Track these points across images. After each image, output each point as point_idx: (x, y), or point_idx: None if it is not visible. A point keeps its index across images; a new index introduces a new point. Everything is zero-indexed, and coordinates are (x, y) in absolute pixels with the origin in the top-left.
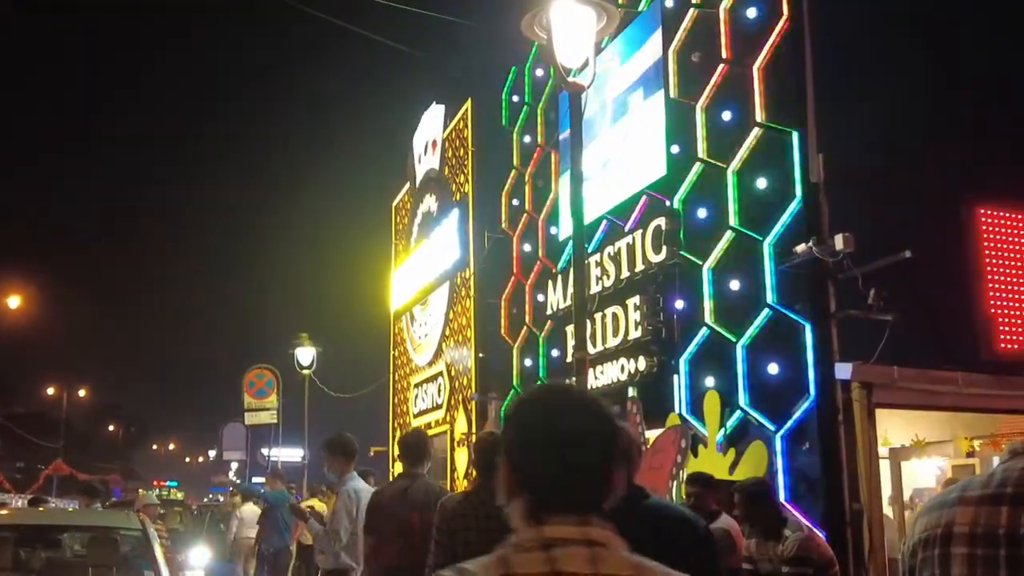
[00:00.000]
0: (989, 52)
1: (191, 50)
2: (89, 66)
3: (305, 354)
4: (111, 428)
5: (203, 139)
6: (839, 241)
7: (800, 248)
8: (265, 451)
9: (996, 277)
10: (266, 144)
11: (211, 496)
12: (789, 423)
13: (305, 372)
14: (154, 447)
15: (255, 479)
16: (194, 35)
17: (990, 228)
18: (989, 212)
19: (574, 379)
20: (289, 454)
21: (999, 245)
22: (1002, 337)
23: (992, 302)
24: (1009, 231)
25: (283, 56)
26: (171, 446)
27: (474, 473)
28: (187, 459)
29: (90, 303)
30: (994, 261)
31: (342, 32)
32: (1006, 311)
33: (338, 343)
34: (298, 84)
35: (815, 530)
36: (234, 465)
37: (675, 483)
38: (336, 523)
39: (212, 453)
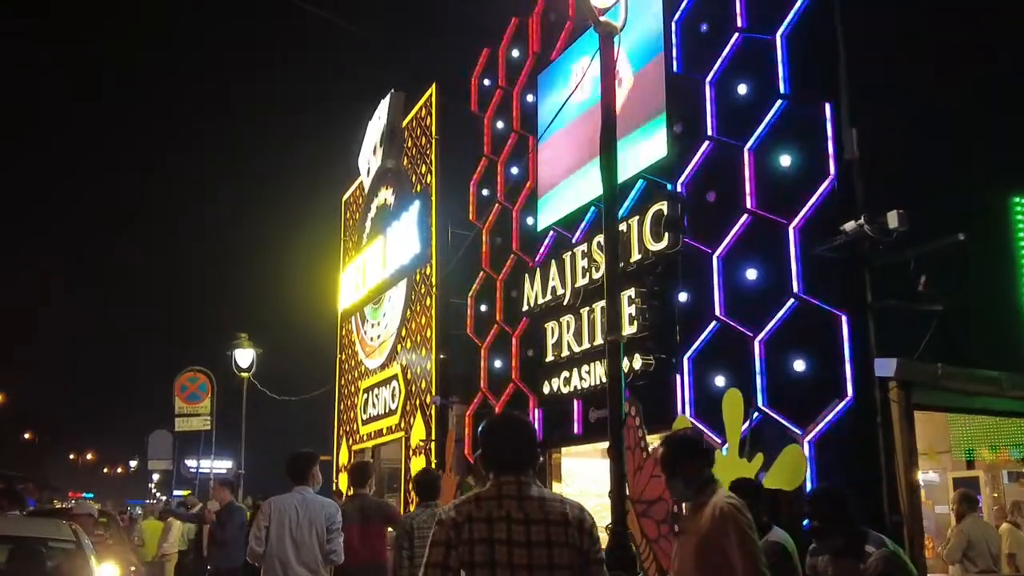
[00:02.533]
0: None
1: (126, 34)
2: (7, 51)
3: (244, 355)
4: (27, 436)
5: (134, 127)
6: (892, 218)
7: (849, 226)
8: (191, 462)
9: None
10: (204, 134)
11: (129, 508)
12: (819, 426)
13: (243, 375)
14: (71, 456)
15: (176, 492)
16: (132, 17)
17: None
18: None
19: (557, 379)
20: (219, 465)
21: None
22: None
23: None
24: None
25: (224, 38)
26: (89, 456)
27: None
28: (105, 469)
29: (4, 299)
30: None
31: (291, 10)
32: None
33: (280, 345)
34: (239, 70)
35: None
36: (156, 476)
37: None
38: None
39: (134, 464)
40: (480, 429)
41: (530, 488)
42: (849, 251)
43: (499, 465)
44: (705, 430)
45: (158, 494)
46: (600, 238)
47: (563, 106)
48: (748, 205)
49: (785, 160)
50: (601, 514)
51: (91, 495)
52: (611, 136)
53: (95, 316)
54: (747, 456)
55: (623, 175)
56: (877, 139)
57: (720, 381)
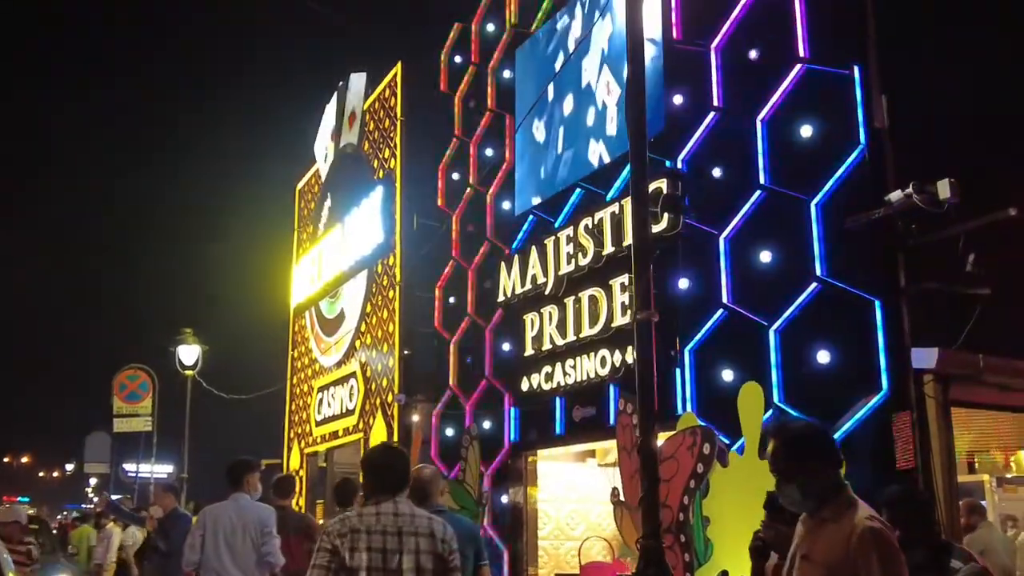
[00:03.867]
0: None
1: (66, 15)
2: None
3: (188, 352)
4: None
5: (71, 111)
6: (943, 188)
7: (895, 196)
8: (130, 466)
9: None
10: (145, 117)
11: (65, 513)
12: (848, 424)
13: (188, 373)
14: (6, 459)
15: (114, 497)
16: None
17: None
18: None
19: (537, 375)
20: (160, 469)
21: None
22: None
23: None
24: None
25: (169, 13)
26: (24, 459)
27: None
28: (41, 473)
29: None
30: None
31: None
32: None
33: (228, 341)
34: (185, 49)
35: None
36: (93, 481)
37: (698, 497)
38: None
39: (70, 467)
40: (363, 459)
41: (402, 506)
42: (882, 228)
43: (379, 488)
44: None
45: (96, 498)
46: (588, 221)
47: (556, 75)
48: (761, 181)
49: (805, 131)
50: (577, 521)
51: (27, 499)
52: (639, 86)
53: (29, 309)
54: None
55: (614, 152)
56: (907, 107)
57: (728, 375)
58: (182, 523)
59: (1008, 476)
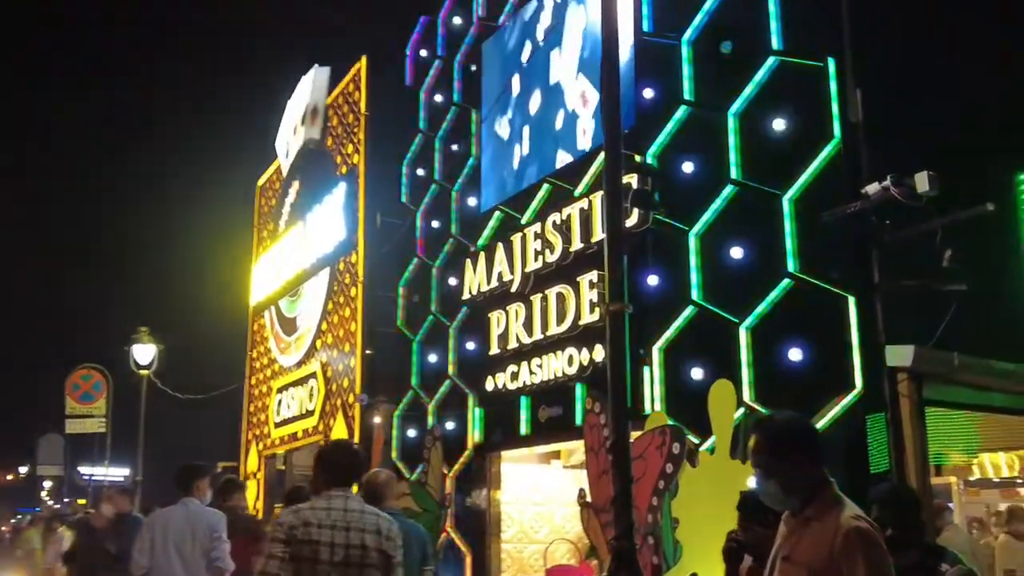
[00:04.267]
0: None
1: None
2: None
3: (144, 352)
4: None
5: (21, 98)
6: (921, 181)
7: (872, 188)
8: (85, 469)
9: None
10: (101, 110)
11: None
12: (821, 423)
13: (143, 372)
14: None
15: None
16: None
17: None
18: None
19: (503, 374)
20: (115, 472)
21: None
22: None
23: None
24: None
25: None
26: None
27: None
28: None
29: None
30: None
31: None
32: None
33: (184, 341)
34: (141, 39)
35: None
36: (47, 484)
37: (667, 497)
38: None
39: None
40: (316, 454)
41: (352, 502)
42: (856, 223)
43: (330, 482)
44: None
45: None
46: (556, 217)
47: (523, 69)
48: (733, 175)
49: (778, 124)
50: (541, 524)
51: None
52: (613, 63)
53: None
54: (740, 457)
55: (581, 146)
56: (882, 101)
57: (697, 374)
58: (134, 526)
59: (970, 479)
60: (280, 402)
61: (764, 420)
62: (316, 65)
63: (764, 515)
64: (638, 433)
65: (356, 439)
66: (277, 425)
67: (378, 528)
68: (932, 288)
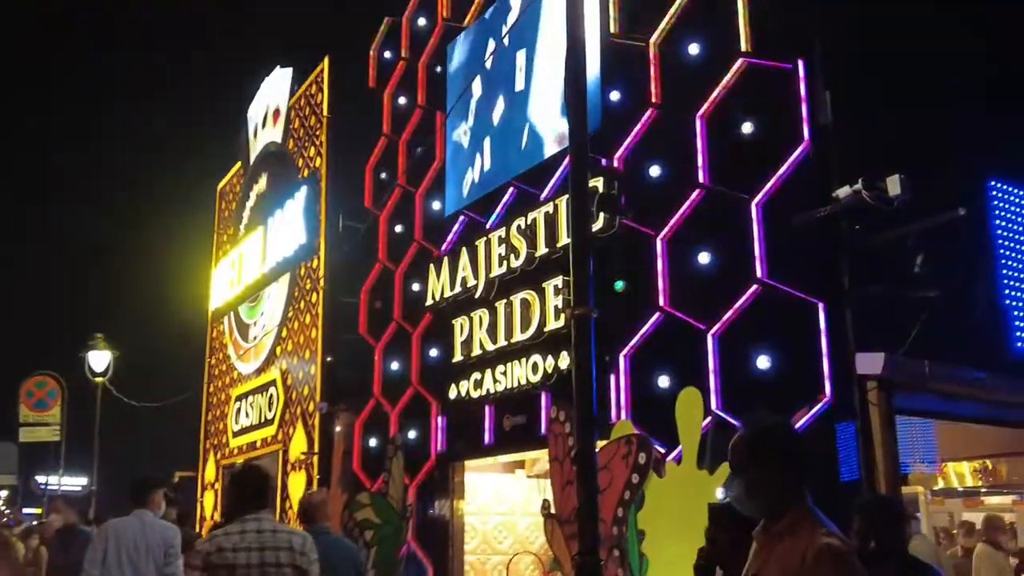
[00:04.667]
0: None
1: None
2: None
3: (99, 359)
4: None
5: None
6: (893, 184)
7: (843, 192)
8: (42, 478)
9: (1011, 263)
10: (56, 111)
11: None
12: None
13: (98, 380)
14: None
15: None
16: None
17: (1004, 205)
18: (1004, 187)
19: (466, 382)
20: (71, 481)
21: (1011, 225)
22: (1019, 335)
23: (1007, 292)
24: (1022, 210)
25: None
26: None
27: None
28: None
29: None
30: (1008, 244)
31: None
32: (1020, 303)
33: (141, 347)
34: (97, 36)
35: None
36: (2, 493)
37: (633, 509)
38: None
39: None
40: (229, 478)
41: (265, 523)
42: (826, 229)
43: (243, 507)
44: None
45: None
46: (521, 221)
47: (488, 70)
48: (700, 179)
49: (746, 127)
50: (504, 534)
51: None
52: (579, 55)
53: None
54: (708, 468)
55: (547, 150)
56: (852, 104)
57: (664, 381)
58: (82, 538)
59: (935, 488)
60: (239, 410)
61: (752, 419)
62: (278, 66)
63: (735, 526)
64: (603, 443)
65: (316, 448)
66: (236, 434)
67: (291, 545)
68: (902, 295)
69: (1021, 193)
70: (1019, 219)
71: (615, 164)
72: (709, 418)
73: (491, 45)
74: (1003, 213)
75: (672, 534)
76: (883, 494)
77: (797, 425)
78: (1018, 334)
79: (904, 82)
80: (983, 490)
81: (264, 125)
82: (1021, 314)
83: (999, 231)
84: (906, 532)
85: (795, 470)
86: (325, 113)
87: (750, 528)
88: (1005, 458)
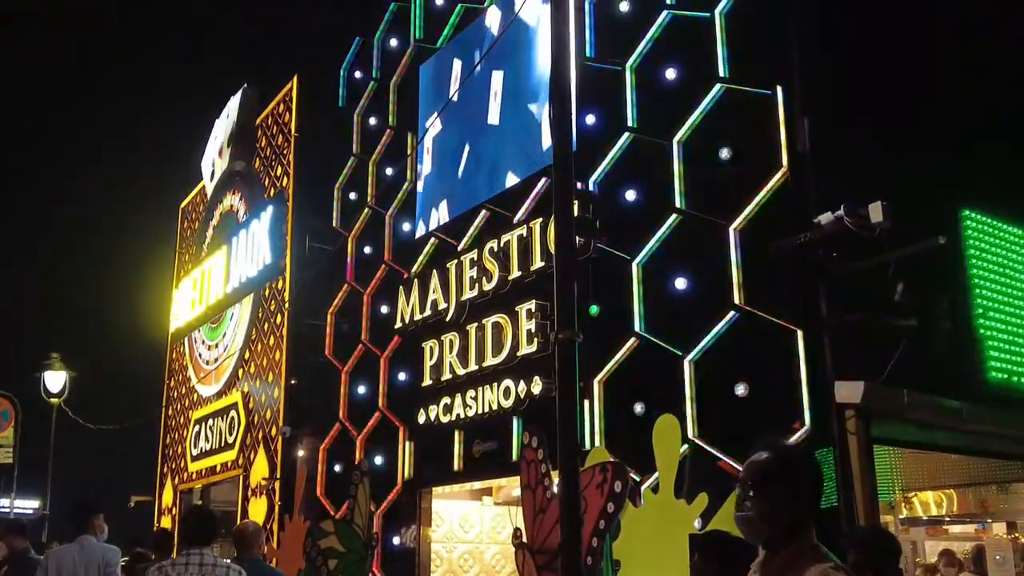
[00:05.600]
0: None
1: None
2: None
3: (55, 379)
4: None
5: None
6: (875, 211)
7: (825, 218)
8: None
9: (984, 292)
10: (11, 122)
11: None
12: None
13: (54, 400)
14: None
15: None
16: None
17: (977, 235)
18: (977, 218)
19: (435, 407)
20: (23, 505)
21: (985, 256)
22: (993, 364)
23: (981, 321)
24: (996, 241)
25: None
26: None
27: None
28: None
29: None
30: (981, 274)
31: None
32: (995, 332)
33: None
34: (53, 50)
35: None
36: None
37: (608, 539)
38: None
39: None
40: (182, 517)
41: (207, 557)
42: (804, 255)
43: (188, 540)
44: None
45: None
46: (493, 244)
47: (456, 93)
48: (677, 204)
49: (724, 153)
50: (470, 563)
51: None
52: (565, 88)
53: None
54: (685, 497)
55: (523, 172)
56: (827, 132)
57: (639, 408)
58: (29, 566)
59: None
60: (198, 434)
61: (767, 441)
62: (245, 84)
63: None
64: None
65: (278, 473)
66: (195, 458)
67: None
68: (881, 323)
69: (994, 223)
70: (993, 249)
71: (590, 188)
72: (686, 446)
73: (463, 67)
74: (976, 243)
75: (648, 564)
76: (877, 526)
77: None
78: (992, 363)
79: (882, 108)
80: (947, 519)
81: (229, 144)
82: (996, 343)
83: (973, 260)
84: (900, 565)
85: (803, 499)
86: (293, 132)
87: (739, 559)
88: (972, 488)
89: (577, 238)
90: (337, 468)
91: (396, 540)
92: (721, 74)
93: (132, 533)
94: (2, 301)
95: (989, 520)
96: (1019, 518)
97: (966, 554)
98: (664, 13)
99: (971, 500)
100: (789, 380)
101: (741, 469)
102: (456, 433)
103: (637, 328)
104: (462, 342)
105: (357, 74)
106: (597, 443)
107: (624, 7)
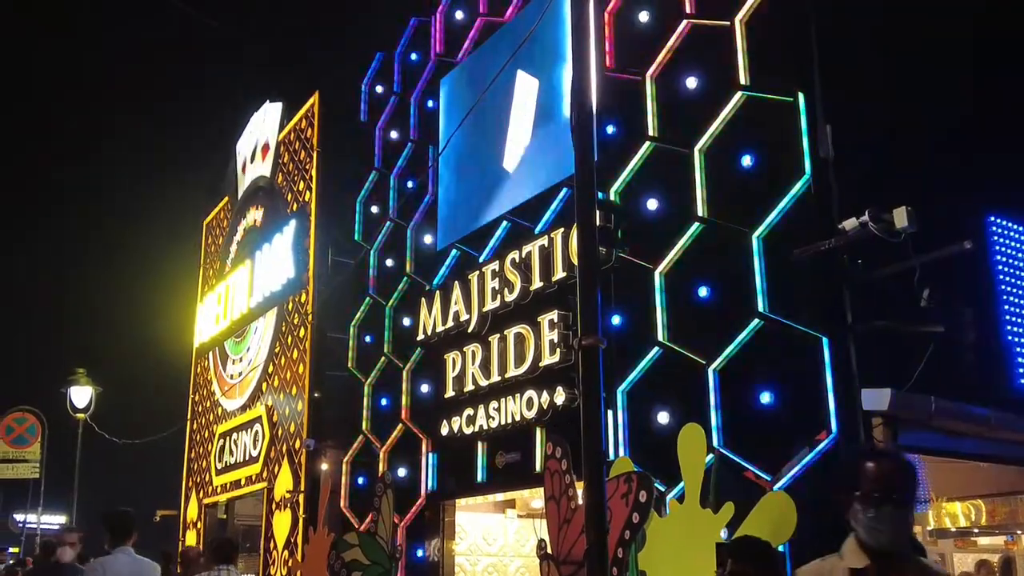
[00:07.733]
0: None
1: None
2: None
3: (81, 394)
4: None
5: None
6: (900, 216)
7: (849, 224)
8: (21, 516)
9: (1011, 298)
10: (39, 143)
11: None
12: (793, 470)
13: (80, 416)
14: None
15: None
16: None
17: (1004, 241)
18: (1004, 222)
19: (458, 418)
20: (50, 520)
21: (1012, 261)
22: (1021, 371)
23: (1008, 327)
24: (1022, 246)
25: (59, 30)
26: None
27: None
28: None
29: None
30: (1007, 279)
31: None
32: (1022, 339)
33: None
34: (83, 70)
35: None
36: None
37: (634, 549)
38: None
39: None
40: (209, 542)
41: (233, 573)
42: (829, 262)
43: (216, 559)
44: None
45: None
46: (515, 255)
47: (472, 108)
48: (699, 212)
49: (746, 160)
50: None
51: None
52: (586, 97)
53: None
54: (711, 506)
55: (544, 183)
56: (853, 137)
57: (663, 418)
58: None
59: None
60: (223, 448)
61: (893, 450)
62: (267, 101)
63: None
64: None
65: (302, 486)
66: (219, 472)
67: None
68: (907, 329)
69: (1020, 229)
70: (1019, 255)
71: (612, 197)
72: (711, 455)
73: (487, 81)
74: (1003, 248)
75: (674, 574)
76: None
77: (803, 463)
78: (1020, 370)
79: (905, 114)
80: (975, 530)
81: (253, 159)
82: (1022, 350)
83: (999, 266)
84: None
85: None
86: (315, 147)
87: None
88: (1001, 498)
89: (599, 248)
90: (361, 480)
91: (420, 552)
92: (742, 82)
93: (158, 547)
94: (28, 318)
95: (1019, 532)
96: None
97: (995, 565)
98: (683, 22)
99: (1000, 510)
100: (815, 388)
101: (879, 470)
102: (479, 444)
103: (660, 337)
104: (484, 353)
105: (379, 89)
106: (621, 453)
107: (643, 17)
